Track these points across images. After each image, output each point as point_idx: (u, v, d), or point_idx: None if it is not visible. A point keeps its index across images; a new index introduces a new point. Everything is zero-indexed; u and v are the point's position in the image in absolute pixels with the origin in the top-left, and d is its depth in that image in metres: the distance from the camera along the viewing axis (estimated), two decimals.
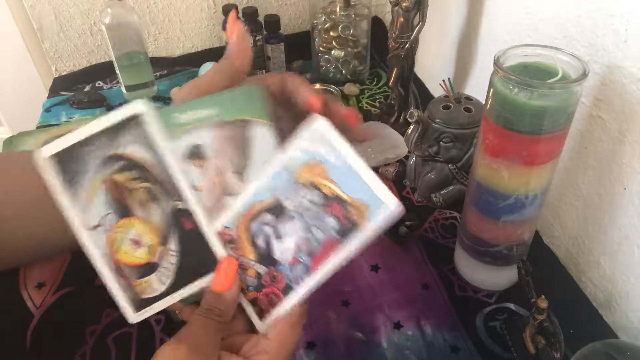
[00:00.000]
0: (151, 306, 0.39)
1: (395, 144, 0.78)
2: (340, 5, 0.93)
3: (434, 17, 0.77)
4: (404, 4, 0.73)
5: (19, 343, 0.54)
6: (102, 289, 0.64)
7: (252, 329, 0.40)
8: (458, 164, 0.68)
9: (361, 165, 0.35)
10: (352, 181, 0.35)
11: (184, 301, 0.39)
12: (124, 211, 0.37)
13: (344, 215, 0.35)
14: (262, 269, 0.38)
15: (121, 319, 0.58)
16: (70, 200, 0.37)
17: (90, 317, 0.57)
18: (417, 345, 0.53)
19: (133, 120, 0.36)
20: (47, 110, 0.95)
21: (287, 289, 0.38)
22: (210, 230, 0.38)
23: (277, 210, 0.37)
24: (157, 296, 0.38)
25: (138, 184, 0.37)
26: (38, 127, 0.90)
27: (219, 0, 1.07)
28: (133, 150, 0.36)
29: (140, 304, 0.39)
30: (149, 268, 0.38)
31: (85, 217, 0.37)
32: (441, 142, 0.66)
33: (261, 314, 0.39)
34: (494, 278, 0.58)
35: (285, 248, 0.37)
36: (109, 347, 0.54)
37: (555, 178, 0.51)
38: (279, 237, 0.38)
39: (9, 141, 0.83)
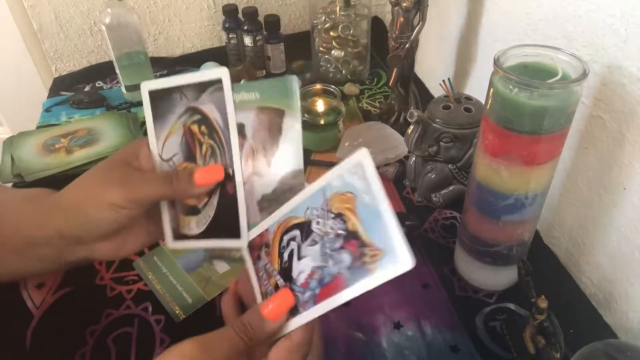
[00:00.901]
0: (184, 241, 0.45)
1: (395, 144, 0.78)
2: (340, 5, 0.93)
3: (434, 17, 0.77)
4: (404, 4, 0.73)
5: (19, 343, 0.54)
6: (102, 289, 0.64)
7: None
8: (458, 164, 0.68)
9: (389, 213, 0.34)
10: (376, 224, 0.35)
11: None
12: (189, 156, 0.44)
13: (359, 255, 0.35)
14: (281, 282, 0.39)
15: (121, 319, 0.59)
16: (155, 130, 0.44)
17: (90, 317, 0.57)
18: (417, 345, 0.53)
19: (216, 84, 0.41)
20: (47, 110, 0.95)
21: (294, 311, 0.38)
22: (242, 202, 0.42)
23: (305, 229, 0.38)
24: (190, 235, 0.44)
25: (206, 139, 0.43)
26: (38, 127, 0.90)
27: (219, 0, 1.07)
28: (209, 108, 0.42)
29: (178, 236, 0.45)
30: (193, 210, 0.44)
31: (162, 148, 0.44)
32: (441, 142, 0.66)
33: None
34: (494, 278, 0.58)
35: (301, 269, 0.38)
36: (109, 347, 0.54)
37: (555, 178, 0.51)
38: (300, 257, 0.38)
39: (9, 141, 0.83)
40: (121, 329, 0.55)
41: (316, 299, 0.37)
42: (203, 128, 0.42)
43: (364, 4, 0.95)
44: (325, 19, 0.94)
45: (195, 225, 0.44)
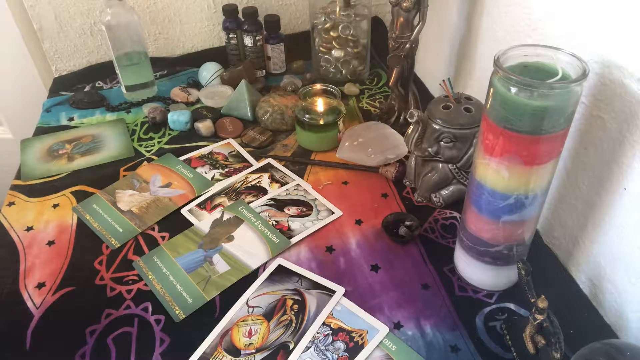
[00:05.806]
0: None
1: (395, 144, 0.78)
2: (340, 5, 0.93)
3: (434, 17, 0.77)
4: (404, 4, 0.73)
5: (19, 343, 0.54)
6: (102, 289, 0.64)
7: None
8: (458, 164, 0.68)
9: (356, 308, 0.56)
10: (351, 318, 0.55)
11: None
12: (268, 314, 0.55)
13: (349, 339, 0.52)
14: None
15: (121, 319, 0.58)
16: (260, 284, 0.59)
17: (90, 317, 0.57)
18: (417, 345, 0.53)
19: (331, 293, 0.57)
20: (47, 110, 0.95)
21: None
22: None
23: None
24: None
25: (292, 313, 0.55)
26: (38, 127, 0.90)
27: (219, 0, 1.07)
28: (311, 300, 0.56)
29: None
30: (235, 351, 0.52)
31: (253, 297, 0.57)
32: (441, 142, 0.66)
33: None
34: (494, 278, 0.58)
35: None
36: (109, 347, 0.54)
37: (555, 178, 0.51)
38: None
39: (22, 144, 0.84)
40: (121, 329, 0.55)
41: None
42: (295, 306, 0.56)
43: (364, 4, 0.95)
44: (325, 19, 0.94)
45: None
